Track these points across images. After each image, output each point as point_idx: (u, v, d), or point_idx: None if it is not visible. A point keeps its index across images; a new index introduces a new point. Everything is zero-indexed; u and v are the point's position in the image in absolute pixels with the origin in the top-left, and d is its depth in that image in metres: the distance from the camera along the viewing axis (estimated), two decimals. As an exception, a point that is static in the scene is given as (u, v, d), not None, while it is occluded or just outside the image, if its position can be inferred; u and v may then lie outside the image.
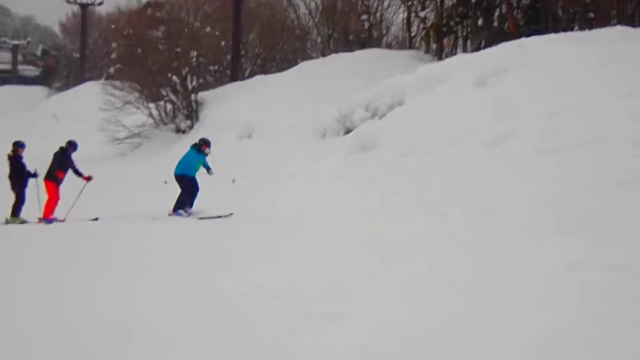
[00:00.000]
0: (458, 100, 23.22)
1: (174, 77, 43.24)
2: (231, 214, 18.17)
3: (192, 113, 42.93)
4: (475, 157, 18.93)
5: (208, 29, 49.60)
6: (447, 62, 29.41)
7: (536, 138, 17.97)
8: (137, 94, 43.89)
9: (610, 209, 12.56)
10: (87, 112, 49.03)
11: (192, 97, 43.30)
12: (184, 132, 42.16)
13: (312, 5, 58.32)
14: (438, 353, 7.64)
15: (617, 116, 16.94)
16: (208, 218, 18.08)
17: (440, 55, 41.93)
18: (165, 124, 44.08)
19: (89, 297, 9.39)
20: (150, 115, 44.05)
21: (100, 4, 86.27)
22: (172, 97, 43.67)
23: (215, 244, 14.17)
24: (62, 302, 9.16)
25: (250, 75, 49.23)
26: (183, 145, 36.70)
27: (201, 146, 19.44)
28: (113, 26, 61.71)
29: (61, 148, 19.82)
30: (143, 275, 10.83)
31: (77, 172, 19.73)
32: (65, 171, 19.41)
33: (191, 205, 19.03)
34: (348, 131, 27.19)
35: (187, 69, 43.62)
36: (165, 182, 21.52)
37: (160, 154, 37.45)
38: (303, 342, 8.01)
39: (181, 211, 18.74)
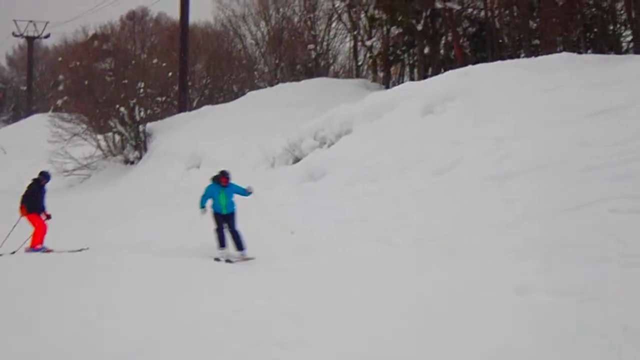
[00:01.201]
0: (405, 128, 23.26)
1: (122, 109, 42.98)
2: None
3: (141, 144, 42.71)
4: (423, 184, 18.99)
5: (155, 60, 49.44)
6: (394, 90, 29.43)
7: (484, 165, 18.06)
8: (84, 126, 43.63)
9: (559, 235, 12.67)
10: (35, 144, 48.63)
11: (140, 128, 43.07)
12: (132, 163, 41.93)
13: (259, 35, 58.46)
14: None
15: (565, 142, 17.06)
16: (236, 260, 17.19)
17: (387, 83, 42.11)
18: (114, 155, 43.82)
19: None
20: (99, 146, 43.77)
21: (47, 37, 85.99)
22: (120, 128, 43.40)
23: (166, 273, 14.11)
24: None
25: (198, 106, 49.10)
26: (132, 177, 36.60)
27: (219, 179, 18.08)
28: (60, 58, 61.28)
29: (34, 180, 19.58)
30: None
31: (43, 206, 19.46)
32: (31, 205, 19.06)
33: (242, 248, 17.51)
34: (297, 160, 27.13)
35: (134, 100, 43.33)
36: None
37: (109, 185, 37.22)
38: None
39: (220, 251, 17.48)
